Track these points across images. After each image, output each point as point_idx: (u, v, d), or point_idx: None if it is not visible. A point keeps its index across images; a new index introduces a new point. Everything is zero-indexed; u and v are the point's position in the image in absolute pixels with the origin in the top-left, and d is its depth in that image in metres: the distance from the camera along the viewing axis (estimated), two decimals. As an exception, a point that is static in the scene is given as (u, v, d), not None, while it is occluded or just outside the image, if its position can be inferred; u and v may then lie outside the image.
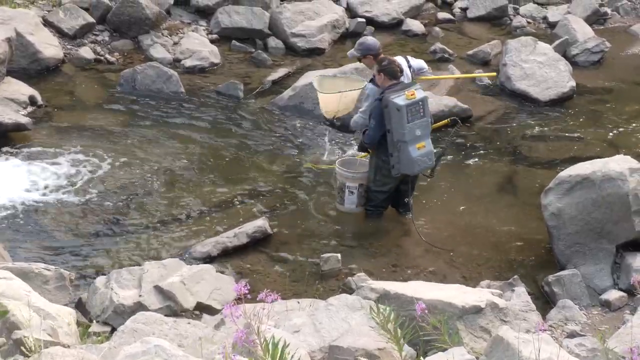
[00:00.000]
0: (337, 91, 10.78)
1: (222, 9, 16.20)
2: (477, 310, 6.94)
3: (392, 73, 9.79)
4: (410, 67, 10.55)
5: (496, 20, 17.95)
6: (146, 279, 8.08)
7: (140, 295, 7.89)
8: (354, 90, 10.86)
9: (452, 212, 10.57)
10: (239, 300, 4.38)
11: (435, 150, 10.09)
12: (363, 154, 10.52)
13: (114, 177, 11.08)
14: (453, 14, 18.13)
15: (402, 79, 9.95)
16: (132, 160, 11.51)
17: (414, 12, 17.76)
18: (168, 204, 10.56)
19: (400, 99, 9.52)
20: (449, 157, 11.85)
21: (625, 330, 7.10)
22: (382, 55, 10.27)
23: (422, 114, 9.65)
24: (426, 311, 5.80)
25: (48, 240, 9.71)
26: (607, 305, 8.53)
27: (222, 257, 9.46)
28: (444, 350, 5.79)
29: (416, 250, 9.79)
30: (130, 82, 13.68)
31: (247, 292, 4.38)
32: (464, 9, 18.25)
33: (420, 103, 9.64)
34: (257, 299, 4.46)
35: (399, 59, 10.50)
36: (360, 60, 10.65)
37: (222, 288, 8.33)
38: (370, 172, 10.15)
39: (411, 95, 9.56)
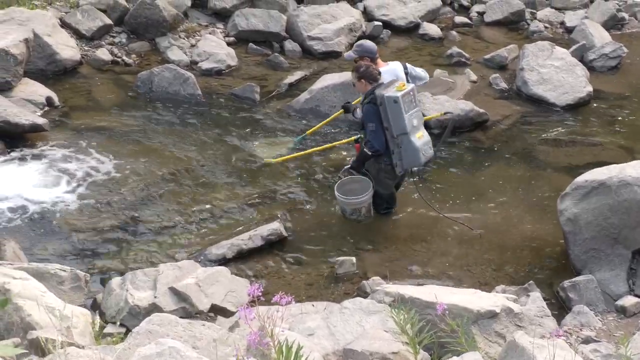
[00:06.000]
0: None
1: (239, 11, 16.25)
2: (492, 315, 6.93)
3: (372, 76, 9.99)
4: (407, 73, 10.72)
5: (513, 25, 17.92)
6: (161, 280, 8.10)
7: (155, 297, 7.90)
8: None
9: (467, 216, 10.54)
10: (253, 302, 4.38)
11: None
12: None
13: (130, 178, 11.10)
14: (470, 18, 18.11)
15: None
16: (148, 162, 11.53)
17: (431, 16, 17.75)
18: (183, 206, 10.57)
19: (393, 92, 9.67)
20: (467, 160, 11.89)
21: (641, 336, 7.08)
22: (358, 62, 10.40)
23: (414, 103, 9.84)
24: (446, 312, 5.81)
25: (64, 241, 9.74)
26: (622, 311, 8.49)
27: (237, 259, 9.47)
28: (459, 354, 5.78)
29: (431, 255, 9.77)
30: (147, 84, 13.71)
31: (260, 294, 4.37)
32: (481, 13, 18.22)
33: (411, 93, 9.82)
34: (272, 301, 4.45)
35: (396, 65, 10.67)
36: (356, 62, 10.68)
37: (236, 290, 8.35)
38: (373, 179, 10.20)
39: (402, 86, 9.73)
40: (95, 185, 10.90)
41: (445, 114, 11.87)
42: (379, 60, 10.78)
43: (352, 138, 10.89)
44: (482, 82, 14.62)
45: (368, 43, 11.03)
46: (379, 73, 10.06)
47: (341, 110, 11.33)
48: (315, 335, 6.53)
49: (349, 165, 10.44)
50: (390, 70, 10.65)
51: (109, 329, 7.60)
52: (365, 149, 10.00)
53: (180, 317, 6.81)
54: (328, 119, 12.24)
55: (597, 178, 9.14)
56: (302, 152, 11.57)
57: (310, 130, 12.24)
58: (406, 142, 9.75)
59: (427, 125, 11.20)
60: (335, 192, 10.23)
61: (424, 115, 10.51)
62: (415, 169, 10.47)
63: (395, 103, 9.63)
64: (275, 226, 9.87)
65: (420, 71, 11.13)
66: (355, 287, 8.93)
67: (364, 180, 10.24)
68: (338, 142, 11.67)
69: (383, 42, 16.40)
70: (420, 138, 9.85)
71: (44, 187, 10.77)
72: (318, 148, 11.64)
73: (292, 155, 11.51)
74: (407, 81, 10.61)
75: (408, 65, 11.03)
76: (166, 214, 10.38)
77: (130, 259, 9.45)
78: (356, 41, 16.23)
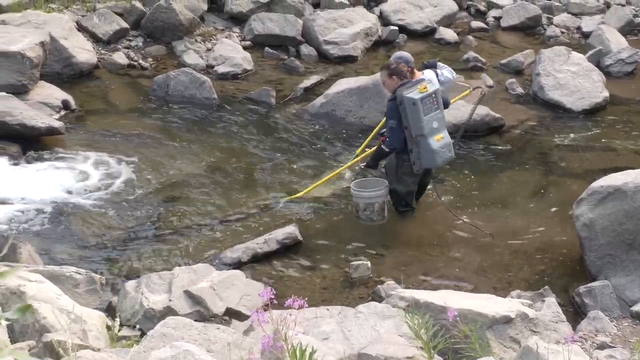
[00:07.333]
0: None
1: (255, 15, 16.26)
2: (507, 320, 6.92)
3: (402, 72, 10.05)
4: (440, 81, 10.78)
5: (530, 30, 17.88)
6: (176, 283, 8.10)
7: (170, 300, 7.92)
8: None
9: (483, 221, 10.52)
10: (266, 306, 4.38)
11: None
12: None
13: (145, 182, 11.13)
14: (486, 23, 18.08)
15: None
16: (164, 165, 11.56)
17: (447, 21, 17.73)
18: (198, 210, 10.58)
19: (413, 93, 9.75)
20: (483, 164, 11.87)
21: (656, 342, 7.05)
22: (387, 62, 10.49)
23: (436, 106, 9.87)
24: (457, 318, 5.80)
25: (79, 244, 9.77)
26: (637, 317, 8.46)
27: (252, 263, 9.47)
28: (473, 359, 5.77)
29: (447, 259, 9.76)
30: (163, 87, 13.74)
31: (273, 297, 4.36)
32: (498, 18, 18.19)
33: (433, 95, 9.85)
34: (285, 305, 4.45)
35: (430, 73, 10.68)
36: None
37: (251, 294, 8.35)
38: (391, 174, 10.32)
39: (424, 88, 9.79)
40: (111, 189, 10.93)
41: (475, 89, 12.00)
42: (415, 70, 10.84)
43: (372, 150, 10.78)
44: (499, 86, 14.60)
45: (406, 54, 11.21)
46: (408, 71, 10.14)
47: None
48: (330, 339, 6.53)
49: (365, 163, 10.56)
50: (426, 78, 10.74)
51: (124, 332, 7.61)
52: (383, 145, 10.14)
53: (195, 321, 6.81)
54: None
55: (613, 183, 9.11)
56: (328, 177, 11.21)
57: (362, 145, 11.51)
58: (423, 144, 9.81)
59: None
60: (351, 185, 10.40)
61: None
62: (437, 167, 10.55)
63: (413, 105, 9.68)
64: (291, 230, 9.88)
65: (447, 73, 11.12)
66: (370, 292, 8.92)
67: (380, 180, 10.44)
68: (362, 155, 11.38)
69: (399, 47, 16.38)
70: (439, 140, 9.87)
71: (60, 190, 10.80)
72: (343, 167, 11.27)
73: (320, 182, 11.12)
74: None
75: (438, 71, 11.06)
76: (181, 218, 10.39)
77: (145, 262, 9.47)
78: (372, 45, 16.37)
